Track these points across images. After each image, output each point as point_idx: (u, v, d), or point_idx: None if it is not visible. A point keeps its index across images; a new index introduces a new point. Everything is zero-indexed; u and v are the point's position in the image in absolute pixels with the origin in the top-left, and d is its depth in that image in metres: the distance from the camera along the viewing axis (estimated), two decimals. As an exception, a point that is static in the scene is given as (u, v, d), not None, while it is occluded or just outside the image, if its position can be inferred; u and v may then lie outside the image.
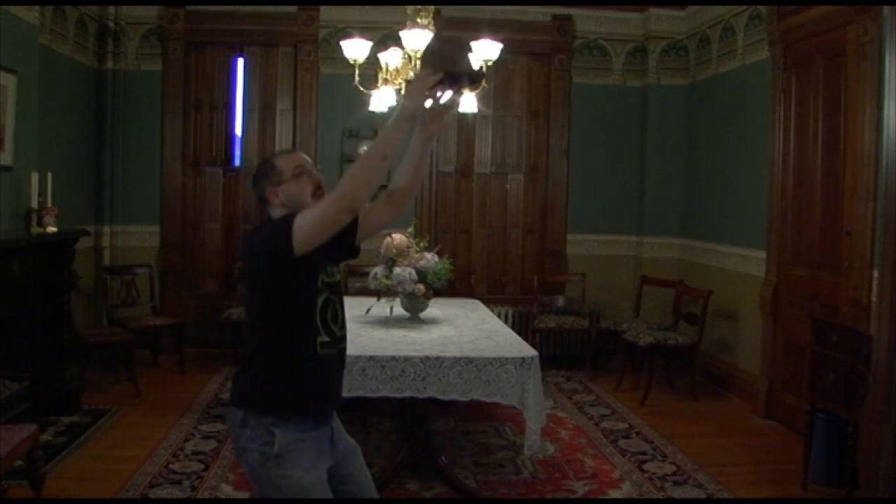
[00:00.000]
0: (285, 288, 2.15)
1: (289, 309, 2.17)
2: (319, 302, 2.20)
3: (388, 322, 4.23)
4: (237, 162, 6.68)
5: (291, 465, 2.15)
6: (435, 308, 4.52)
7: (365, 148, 6.12)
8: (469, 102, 4.54)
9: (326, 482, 2.23)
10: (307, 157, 2.33)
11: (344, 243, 2.22)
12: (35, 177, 4.61)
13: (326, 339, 2.21)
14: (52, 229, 4.60)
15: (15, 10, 4.49)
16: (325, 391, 2.26)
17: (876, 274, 3.82)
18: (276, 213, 2.24)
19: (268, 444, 2.13)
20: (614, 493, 3.81)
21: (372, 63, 4.52)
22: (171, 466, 3.94)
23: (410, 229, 4.44)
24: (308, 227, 2.07)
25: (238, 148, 6.68)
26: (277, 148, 6.62)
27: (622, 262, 6.84)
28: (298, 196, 2.22)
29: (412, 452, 3.84)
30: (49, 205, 4.66)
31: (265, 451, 2.14)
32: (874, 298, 3.74)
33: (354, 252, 2.33)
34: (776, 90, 5.09)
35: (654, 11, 6.63)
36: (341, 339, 2.29)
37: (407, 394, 3.47)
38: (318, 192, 2.26)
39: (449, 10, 6.24)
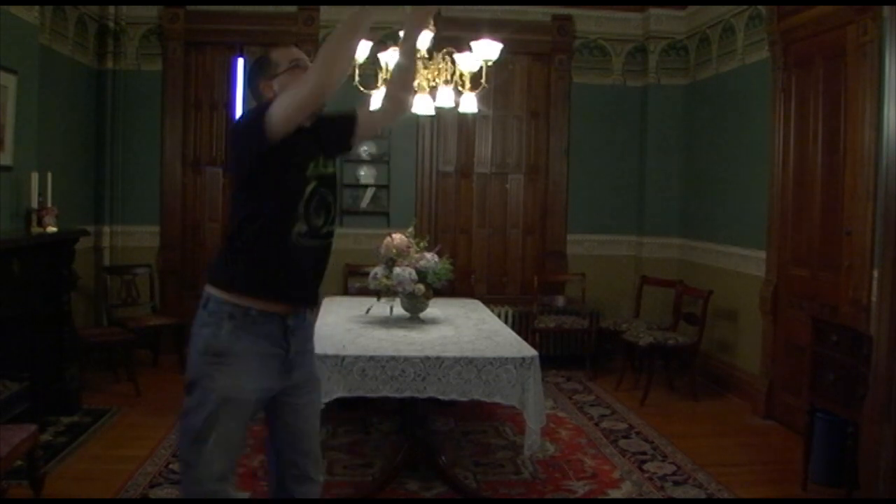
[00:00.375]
0: (264, 172, 2.15)
1: (267, 194, 2.17)
2: (307, 190, 2.20)
3: (388, 322, 4.23)
4: (237, 162, 6.67)
5: (225, 371, 2.13)
6: (435, 308, 4.52)
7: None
8: (469, 102, 4.54)
9: (252, 401, 2.19)
10: (302, 52, 2.34)
11: (341, 137, 2.32)
12: (35, 177, 4.61)
13: (304, 228, 2.20)
14: (52, 229, 4.60)
15: (15, 10, 4.49)
16: (292, 282, 2.22)
17: (876, 274, 3.82)
18: None
19: (215, 337, 2.14)
20: (614, 493, 3.81)
21: (372, 63, 4.52)
22: (171, 466, 3.94)
23: (410, 229, 4.44)
24: (281, 111, 2.07)
25: (238, 148, 6.68)
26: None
27: (622, 262, 6.84)
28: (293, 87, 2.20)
29: (412, 452, 3.84)
30: (49, 205, 4.65)
31: (210, 342, 2.14)
32: (874, 298, 3.74)
33: (349, 147, 2.42)
34: (776, 90, 5.09)
35: (654, 11, 6.63)
36: (326, 235, 2.29)
37: (407, 394, 3.47)
38: None
39: (449, 10, 6.24)
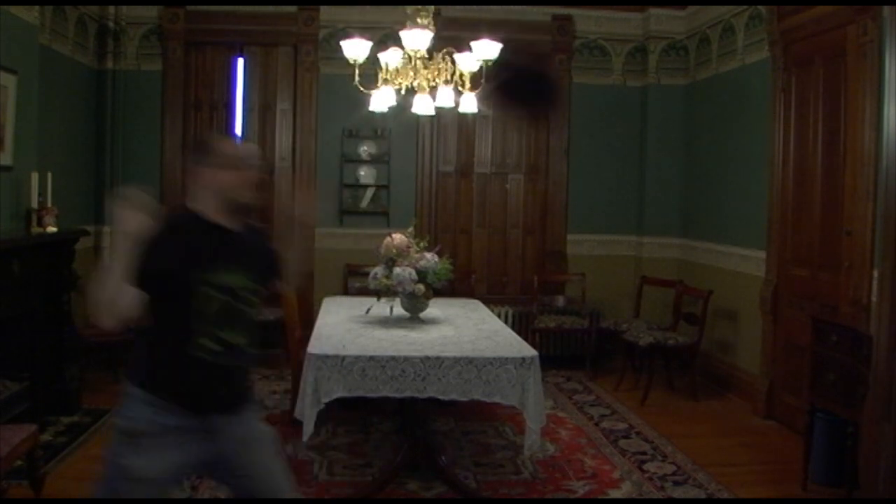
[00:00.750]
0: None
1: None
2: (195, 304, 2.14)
3: (388, 322, 4.23)
4: (237, 162, 6.67)
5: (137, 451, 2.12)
6: (435, 308, 4.52)
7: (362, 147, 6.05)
8: (469, 102, 4.54)
9: (160, 480, 2.16)
10: (243, 158, 2.28)
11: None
12: (35, 177, 4.61)
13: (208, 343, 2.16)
14: (52, 229, 4.60)
15: (15, 10, 4.48)
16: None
17: (876, 274, 3.82)
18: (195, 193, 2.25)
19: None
20: (614, 493, 3.81)
21: (372, 63, 4.52)
22: (171, 466, 3.93)
23: (410, 229, 4.44)
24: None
25: (238, 148, 6.67)
26: (278, 148, 6.63)
27: (622, 262, 6.84)
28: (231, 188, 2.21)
29: (412, 452, 3.84)
30: (49, 205, 4.65)
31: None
32: (874, 298, 3.74)
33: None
34: (776, 90, 5.09)
35: (654, 11, 6.63)
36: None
37: (407, 394, 3.47)
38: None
39: (449, 10, 6.24)
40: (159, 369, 2.18)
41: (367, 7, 6.43)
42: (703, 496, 3.79)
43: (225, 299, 2.17)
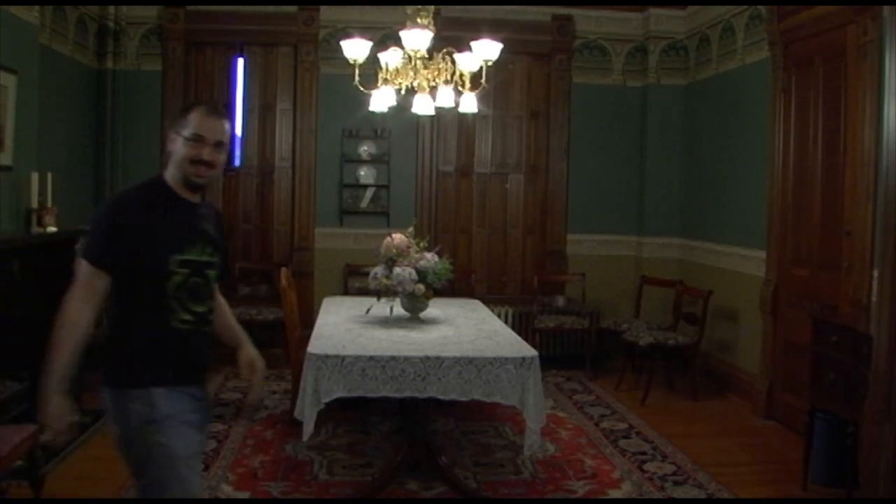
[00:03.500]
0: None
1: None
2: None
3: (388, 322, 4.23)
4: (237, 162, 6.67)
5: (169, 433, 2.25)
6: (435, 308, 4.52)
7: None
8: (469, 102, 4.54)
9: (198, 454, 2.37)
10: (216, 130, 2.26)
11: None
12: (35, 177, 4.61)
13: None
14: (52, 229, 4.60)
15: (15, 10, 4.48)
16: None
17: (876, 274, 3.82)
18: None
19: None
20: (614, 493, 3.81)
21: (372, 63, 4.52)
22: (171, 466, 3.93)
23: (410, 229, 4.44)
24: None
25: (238, 148, 6.68)
26: (278, 148, 6.64)
27: (622, 262, 6.84)
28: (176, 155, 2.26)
29: (412, 452, 3.84)
30: (49, 205, 4.65)
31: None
32: (874, 298, 3.74)
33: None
34: (776, 90, 5.09)
35: (654, 11, 6.63)
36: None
37: (407, 394, 3.47)
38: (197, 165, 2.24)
39: (449, 10, 6.24)
40: (154, 351, 2.24)
41: (367, 7, 6.43)
42: (703, 496, 3.79)
43: (189, 273, 2.26)
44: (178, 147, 2.23)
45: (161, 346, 2.23)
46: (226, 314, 2.56)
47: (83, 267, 2.25)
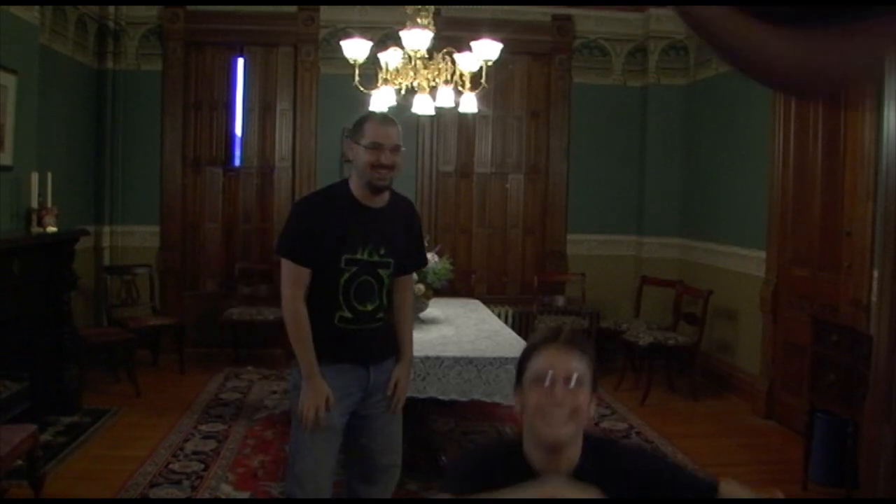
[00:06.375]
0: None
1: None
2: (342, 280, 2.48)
3: (388, 322, 4.23)
4: (237, 162, 6.68)
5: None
6: (435, 308, 4.52)
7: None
8: (469, 102, 4.54)
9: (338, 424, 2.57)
10: (394, 136, 2.49)
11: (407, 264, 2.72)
12: (35, 177, 4.61)
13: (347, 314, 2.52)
14: (52, 229, 4.60)
15: (15, 10, 4.49)
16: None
17: (876, 274, 3.82)
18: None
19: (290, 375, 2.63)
20: (614, 493, 3.80)
21: (372, 63, 4.52)
22: (171, 466, 3.94)
23: (410, 229, 4.44)
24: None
25: (238, 148, 6.68)
26: (278, 148, 6.63)
27: (622, 262, 6.84)
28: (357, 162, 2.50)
29: (412, 452, 3.84)
30: (49, 205, 4.65)
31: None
32: (874, 298, 3.74)
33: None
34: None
35: (654, 11, 6.63)
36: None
37: (407, 394, 3.47)
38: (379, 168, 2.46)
39: (449, 10, 6.24)
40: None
41: (367, 7, 6.43)
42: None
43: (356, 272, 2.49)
44: (359, 155, 2.46)
45: (322, 335, 2.52)
46: (401, 317, 2.71)
47: (286, 265, 2.51)
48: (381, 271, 2.52)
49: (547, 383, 1.53)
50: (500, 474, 1.52)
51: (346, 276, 2.45)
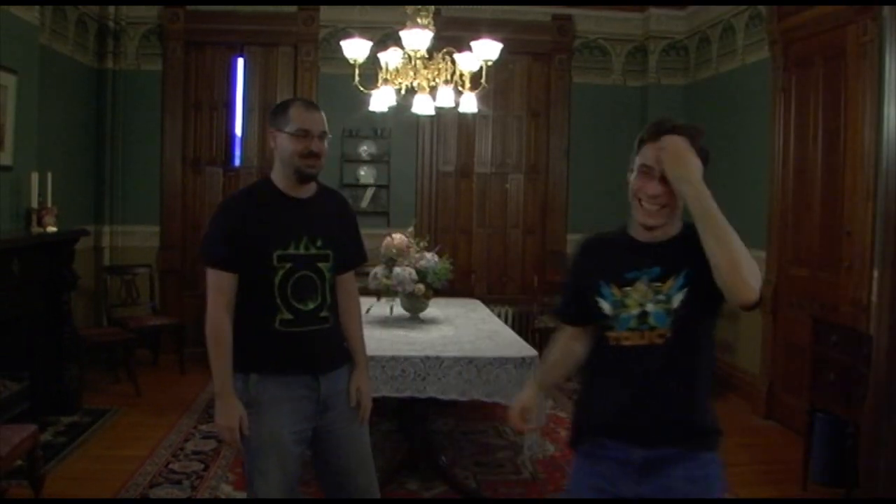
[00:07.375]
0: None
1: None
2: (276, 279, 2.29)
3: (388, 322, 4.23)
4: (237, 162, 6.68)
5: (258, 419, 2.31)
6: (435, 308, 4.52)
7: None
8: (469, 102, 4.54)
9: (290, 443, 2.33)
10: (317, 121, 2.32)
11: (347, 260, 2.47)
12: (35, 177, 4.61)
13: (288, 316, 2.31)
14: (52, 229, 4.61)
15: (15, 10, 4.49)
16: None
17: (876, 274, 3.82)
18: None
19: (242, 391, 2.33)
20: (614, 493, 3.80)
21: (372, 63, 4.52)
22: (171, 466, 3.94)
23: (410, 229, 4.45)
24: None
25: (238, 148, 6.68)
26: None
27: (622, 262, 6.82)
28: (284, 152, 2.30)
29: (412, 452, 3.84)
30: (49, 205, 4.66)
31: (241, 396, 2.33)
32: (874, 298, 3.74)
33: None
34: (776, 90, 5.09)
35: (654, 11, 6.63)
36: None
37: (407, 394, 3.48)
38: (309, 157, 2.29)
39: (449, 10, 6.24)
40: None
41: (367, 7, 6.43)
42: (703, 496, 3.78)
43: (291, 268, 2.29)
44: (284, 143, 2.28)
45: (262, 342, 2.33)
46: (348, 319, 2.49)
47: (209, 273, 2.37)
48: (320, 265, 2.32)
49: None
50: (610, 245, 1.94)
51: (281, 273, 2.26)
